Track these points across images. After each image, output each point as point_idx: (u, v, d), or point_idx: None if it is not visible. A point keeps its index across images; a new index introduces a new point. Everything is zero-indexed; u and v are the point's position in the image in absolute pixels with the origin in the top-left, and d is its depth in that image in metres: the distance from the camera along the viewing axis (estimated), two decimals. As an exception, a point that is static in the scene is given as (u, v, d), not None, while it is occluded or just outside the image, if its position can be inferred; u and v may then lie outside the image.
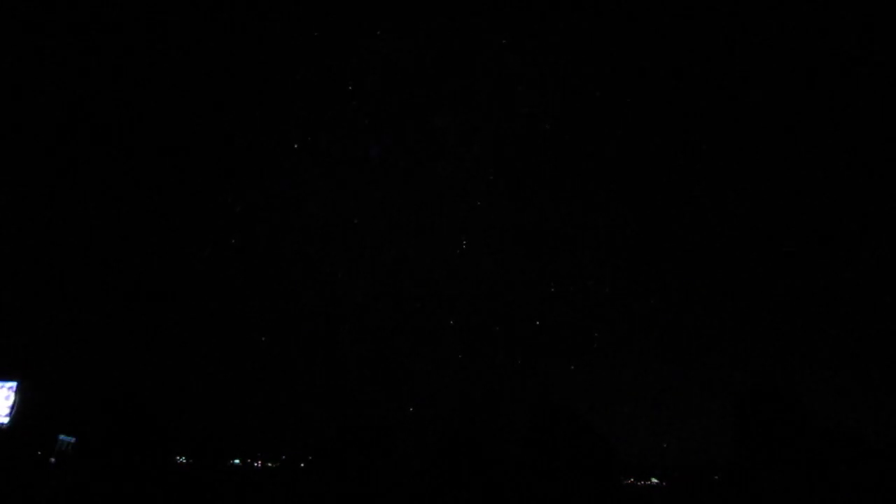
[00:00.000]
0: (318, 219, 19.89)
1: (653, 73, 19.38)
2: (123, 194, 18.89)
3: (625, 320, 20.13)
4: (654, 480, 17.82)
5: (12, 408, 15.31)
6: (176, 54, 18.79)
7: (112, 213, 18.71)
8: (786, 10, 17.58)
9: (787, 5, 17.63)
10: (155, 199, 19.24)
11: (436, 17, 18.87)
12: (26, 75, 17.41)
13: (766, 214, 19.87)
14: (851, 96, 18.08)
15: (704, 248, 20.27)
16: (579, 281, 19.95)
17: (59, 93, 17.90)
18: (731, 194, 19.91)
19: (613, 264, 20.15)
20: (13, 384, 15.54)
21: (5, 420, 15.19)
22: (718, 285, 20.12)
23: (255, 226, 19.78)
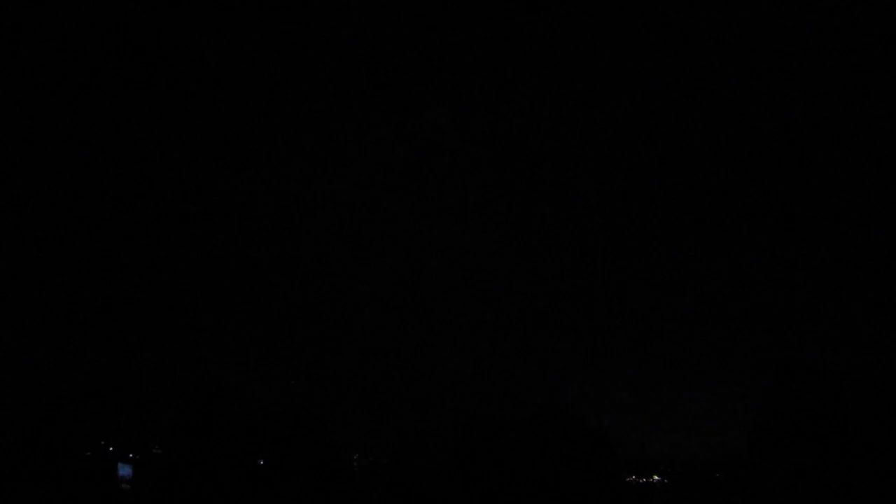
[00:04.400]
0: (315, 218, 19.88)
1: (654, 71, 19.40)
2: (122, 194, 18.86)
3: (625, 318, 20.10)
4: (657, 478, 17.78)
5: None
6: (174, 53, 18.78)
7: (107, 213, 18.69)
8: (786, 10, 17.59)
9: (788, 5, 17.64)
10: (154, 198, 19.22)
11: (435, 16, 18.87)
12: (26, 75, 17.38)
13: (774, 210, 19.86)
14: (851, 96, 18.09)
15: (705, 247, 20.26)
16: (580, 280, 19.94)
17: (58, 91, 17.85)
18: (738, 188, 19.92)
19: (614, 263, 20.14)
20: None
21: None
22: (722, 283, 20.12)
23: (252, 225, 19.75)
